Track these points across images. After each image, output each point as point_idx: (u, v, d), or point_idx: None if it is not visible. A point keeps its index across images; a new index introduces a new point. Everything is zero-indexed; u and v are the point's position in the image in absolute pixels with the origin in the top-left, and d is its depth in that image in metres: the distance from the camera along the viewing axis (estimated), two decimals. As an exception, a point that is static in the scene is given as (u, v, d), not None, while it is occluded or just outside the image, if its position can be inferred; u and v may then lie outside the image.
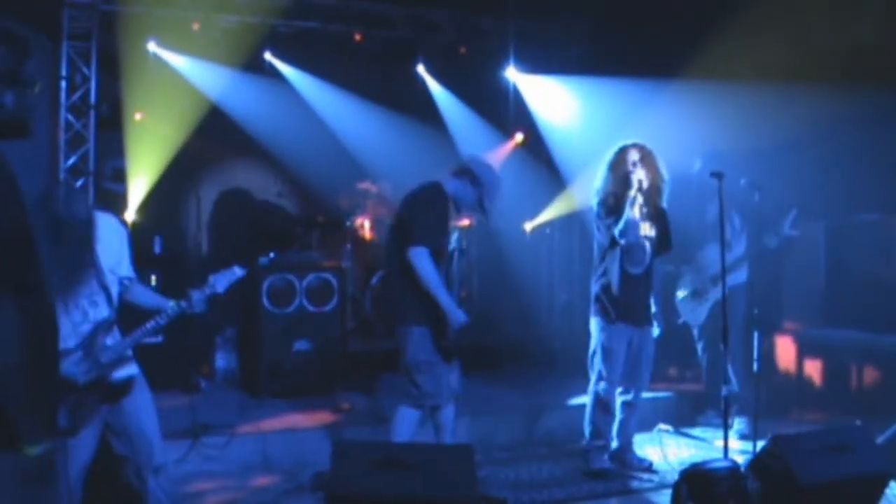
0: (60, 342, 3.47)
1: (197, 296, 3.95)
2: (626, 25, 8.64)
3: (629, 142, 5.60)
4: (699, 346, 6.80)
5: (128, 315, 3.98)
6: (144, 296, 4.08)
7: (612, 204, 5.51)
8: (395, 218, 5.21)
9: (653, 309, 5.76)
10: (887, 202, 7.16)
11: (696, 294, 6.69)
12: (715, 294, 6.43)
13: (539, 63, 9.77)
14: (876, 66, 6.49)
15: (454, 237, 5.17)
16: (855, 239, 7.44)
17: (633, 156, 5.49)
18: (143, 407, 3.89)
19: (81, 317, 3.68)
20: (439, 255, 4.87)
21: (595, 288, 5.66)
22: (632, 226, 5.40)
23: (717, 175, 5.09)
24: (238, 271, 4.08)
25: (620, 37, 8.79)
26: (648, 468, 5.71)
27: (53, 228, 3.48)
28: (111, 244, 3.87)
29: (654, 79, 7.76)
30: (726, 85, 7.03)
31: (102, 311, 3.75)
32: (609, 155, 5.61)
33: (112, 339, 3.78)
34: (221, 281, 4.03)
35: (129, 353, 3.83)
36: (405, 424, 4.95)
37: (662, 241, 5.67)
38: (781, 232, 6.25)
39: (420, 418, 5.01)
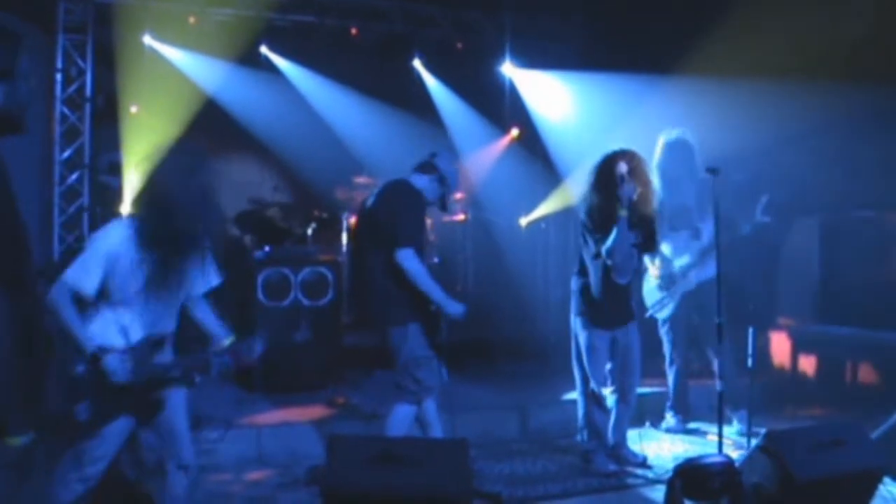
0: (123, 336, 3.46)
1: (252, 346, 4.07)
2: (621, 20, 8.63)
3: (618, 149, 5.36)
4: (667, 341, 6.51)
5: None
6: (204, 314, 4.07)
7: (600, 219, 5.34)
8: (369, 219, 5.11)
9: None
10: (881, 199, 7.17)
11: (663, 286, 6.44)
12: (684, 286, 6.33)
13: (535, 58, 9.76)
14: (871, 62, 6.48)
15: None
16: (849, 235, 7.45)
17: (622, 167, 5.23)
18: (178, 404, 3.87)
19: (151, 321, 3.67)
20: (421, 252, 4.89)
21: (575, 285, 5.60)
22: (620, 247, 5.25)
23: (713, 171, 5.07)
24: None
25: (616, 32, 8.77)
26: (643, 463, 5.71)
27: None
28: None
29: (649, 74, 7.75)
30: (722, 81, 7.02)
31: (169, 325, 3.76)
32: (596, 162, 5.41)
33: (162, 357, 3.74)
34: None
35: (176, 374, 3.79)
36: (402, 422, 4.95)
37: (648, 245, 5.54)
38: (753, 218, 6.10)
39: (416, 415, 5.01)
